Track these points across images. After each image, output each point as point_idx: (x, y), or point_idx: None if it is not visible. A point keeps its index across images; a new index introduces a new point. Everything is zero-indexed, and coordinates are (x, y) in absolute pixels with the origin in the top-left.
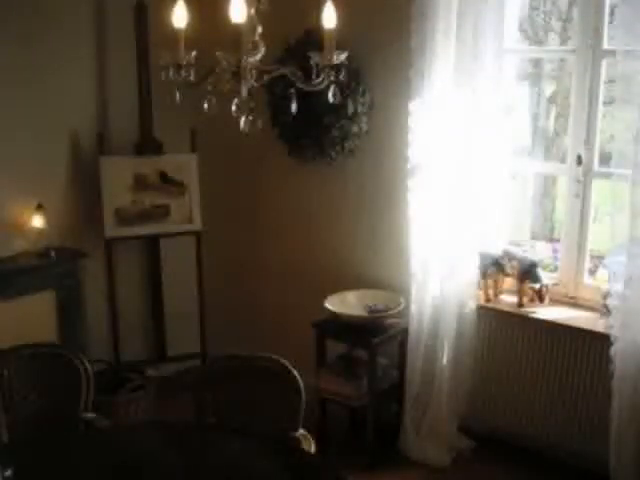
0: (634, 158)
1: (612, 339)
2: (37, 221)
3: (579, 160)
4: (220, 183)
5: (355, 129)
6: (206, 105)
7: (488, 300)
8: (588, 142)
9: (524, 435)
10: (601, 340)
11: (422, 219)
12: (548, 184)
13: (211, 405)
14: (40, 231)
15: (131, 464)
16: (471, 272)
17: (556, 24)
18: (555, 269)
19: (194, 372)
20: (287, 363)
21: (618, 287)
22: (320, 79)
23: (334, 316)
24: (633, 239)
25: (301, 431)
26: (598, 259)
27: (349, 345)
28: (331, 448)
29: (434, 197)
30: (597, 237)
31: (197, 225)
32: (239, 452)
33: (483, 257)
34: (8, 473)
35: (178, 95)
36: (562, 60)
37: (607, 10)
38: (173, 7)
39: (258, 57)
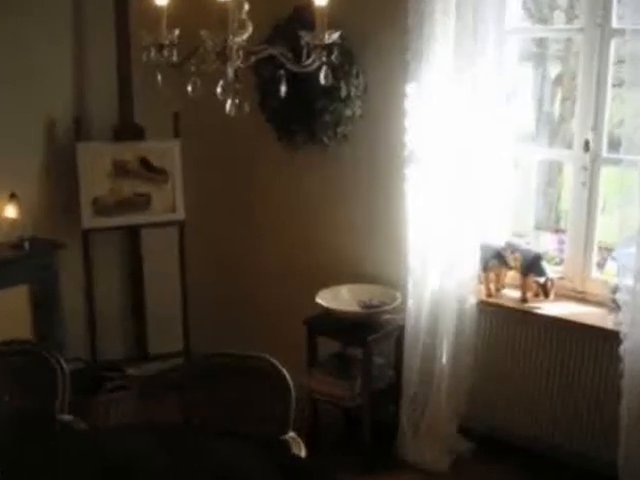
0: None
1: (621, 336)
2: (10, 211)
3: (586, 146)
4: (205, 170)
5: (348, 113)
6: (190, 87)
7: (489, 295)
8: (596, 127)
9: (527, 436)
10: (610, 337)
11: (420, 209)
12: (553, 172)
13: (196, 406)
14: (13, 222)
15: (115, 468)
16: (471, 265)
17: (562, 1)
18: (561, 262)
19: (178, 371)
20: (276, 362)
21: (628, 281)
22: (311, 60)
23: (326, 312)
24: None
25: (291, 434)
26: (606, 251)
27: (342, 343)
28: (324, 451)
29: (432, 186)
30: (605, 228)
31: (180, 215)
32: (225, 456)
33: (484, 249)
34: None
35: (160, 77)
36: (568, 40)
37: None
38: None
39: (245, 36)
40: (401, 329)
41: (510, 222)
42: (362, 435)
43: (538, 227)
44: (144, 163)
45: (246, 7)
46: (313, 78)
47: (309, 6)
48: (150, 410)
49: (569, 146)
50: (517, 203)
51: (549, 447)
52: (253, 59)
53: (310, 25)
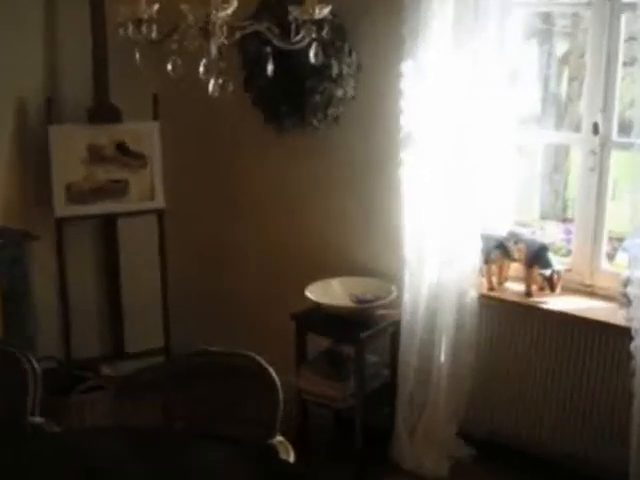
0: None
1: (633, 333)
2: None
3: (595, 129)
4: (186, 155)
5: (340, 94)
6: (170, 66)
7: (491, 289)
8: (605, 108)
9: (531, 441)
10: (620, 334)
11: (417, 196)
12: (560, 157)
13: (177, 408)
14: None
15: (89, 474)
16: (472, 257)
17: None
18: (568, 253)
19: (158, 370)
20: (262, 360)
21: (639, 274)
22: (300, 36)
23: (316, 307)
24: None
25: (278, 437)
26: (617, 241)
27: (333, 340)
28: (313, 456)
29: (430, 172)
30: (616, 216)
31: (160, 203)
32: (208, 461)
33: (486, 240)
34: None
35: (138, 55)
36: (576, 15)
37: None
38: None
39: (229, 11)
40: (397, 325)
41: (513, 210)
42: (354, 439)
43: (543, 216)
44: (121, 147)
45: None
46: (302, 56)
47: None
48: (127, 412)
49: (577, 129)
50: (521, 190)
51: (555, 452)
52: (238, 35)
53: None
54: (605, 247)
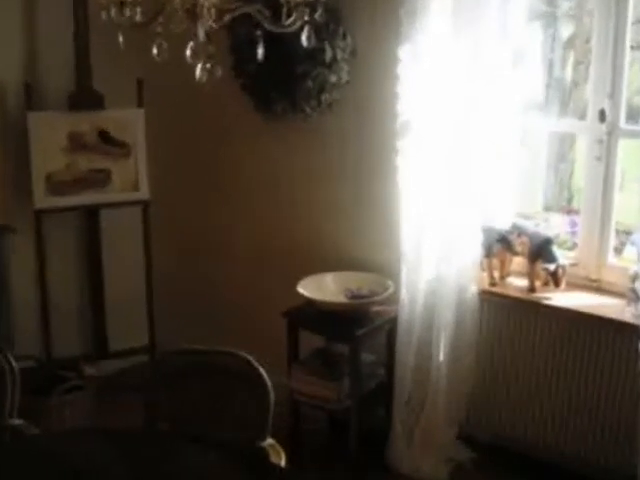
0: None
1: None
2: None
3: (602, 116)
4: (172, 144)
5: (334, 79)
6: (155, 50)
7: (493, 284)
8: (613, 94)
9: (535, 444)
10: (629, 331)
11: (415, 187)
12: (565, 145)
13: (162, 409)
14: None
15: (70, 478)
16: (473, 251)
17: None
18: (573, 247)
19: (142, 370)
20: (252, 359)
21: None
22: (292, 19)
23: (309, 303)
24: None
25: (269, 440)
26: (625, 234)
27: (327, 338)
28: (306, 460)
29: (429, 161)
30: (623, 208)
31: (144, 194)
32: (195, 466)
33: (487, 233)
34: None
35: (121, 39)
36: None
37: None
38: None
39: None
40: (393, 322)
41: (516, 202)
42: (349, 442)
43: (548, 207)
44: (103, 135)
45: None
46: (294, 39)
47: None
48: (110, 414)
49: (582, 116)
50: (524, 180)
51: (560, 456)
52: (227, 18)
53: None
54: (612, 240)
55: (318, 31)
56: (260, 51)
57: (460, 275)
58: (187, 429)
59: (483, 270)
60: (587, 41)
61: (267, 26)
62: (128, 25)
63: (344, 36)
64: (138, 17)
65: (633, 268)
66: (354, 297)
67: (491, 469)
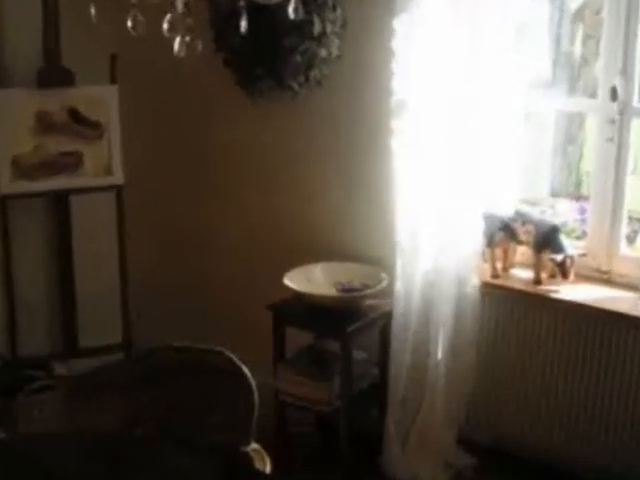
0: None
1: None
2: None
3: (613, 94)
4: (148, 124)
5: (323, 54)
6: (130, 23)
7: (495, 276)
8: (625, 70)
9: (541, 449)
10: None
11: (411, 171)
12: (573, 126)
13: (138, 411)
14: None
15: None
16: (474, 240)
17: None
18: (582, 235)
19: (116, 369)
20: (234, 357)
21: None
22: None
23: (297, 297)
24: None
25: (254, 445)
26: (638, 222)
27: (316, 334)
28: (293, 466)
29: (426, 142)
30: (637, 193)
31: (118, 178)
32: (173, 472)
33: (489, 220)
34: None
35: (93, 10)
36: None
37: None
38: None
39: None
40: (387, 317)
41: (521, 187)
42: (339, 446)
43: (555, 193)
44: (74, 115)
45: None
46: (280, 11)
47: None
48: (81, 416)
49: (593, 94)
50: (529, 164)
51: (568, 461)
52: None
53: None
54: (625, 228)
55: (306, 2)
56: (243, 24)
57: (460, 266)
58: (165, 433)
59: (485, 261)
60: (597, 13)
61: None
62: None
63: (334, 7)
64: None
65: None
66: (345, 290)
67: (493, 475)
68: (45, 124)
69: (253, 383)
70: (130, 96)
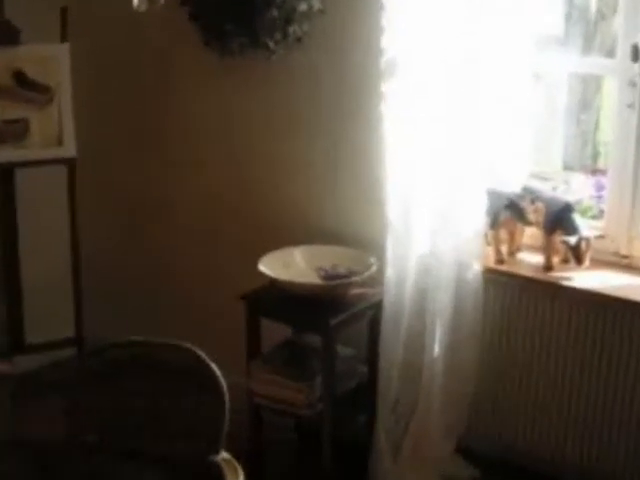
0: None
1: None
2: None
3: (635, 53)
4: (104, 88)
5: (303, 7)
6: None
7: (500, 261)
8: None
9: (550, 459)
10: None
11: (403, 141)
12: (589, 89)
13: (90, 415)
14: None
15: None
16: (476, 220)
17: None
18: (599, 215)
19: (66, 366)
20: (202, 354)
21: None
22: None
23: (273, 284)
24: None
25: (224, 454)
26: None
27: (295, 327)
28: (269, 478)
29: (421, 109)
30: None
31: (70, 150)
32: None
33: (493, 197)
34: None
35: None
36: None
37: None
38: None
39: None
40: (377, 308)
41: (529, 159)
42: (322, 456)
43: (568, 166)
44: (19, 77)
45: None
46: None
47: None
48: (26, 420)
49: (611, 53)
50: (539, 133)
51: (581, 472)
52: None
53: None
54: None
55: None
56: None
57: (459, 250)
58: (121, 441)
59: (488, 244)
60: None
61: None
62: None
63: None
64: None
65: None
66: (329, 277)
67: None
68: None
69: (223, 384)
70: (84, 56)
